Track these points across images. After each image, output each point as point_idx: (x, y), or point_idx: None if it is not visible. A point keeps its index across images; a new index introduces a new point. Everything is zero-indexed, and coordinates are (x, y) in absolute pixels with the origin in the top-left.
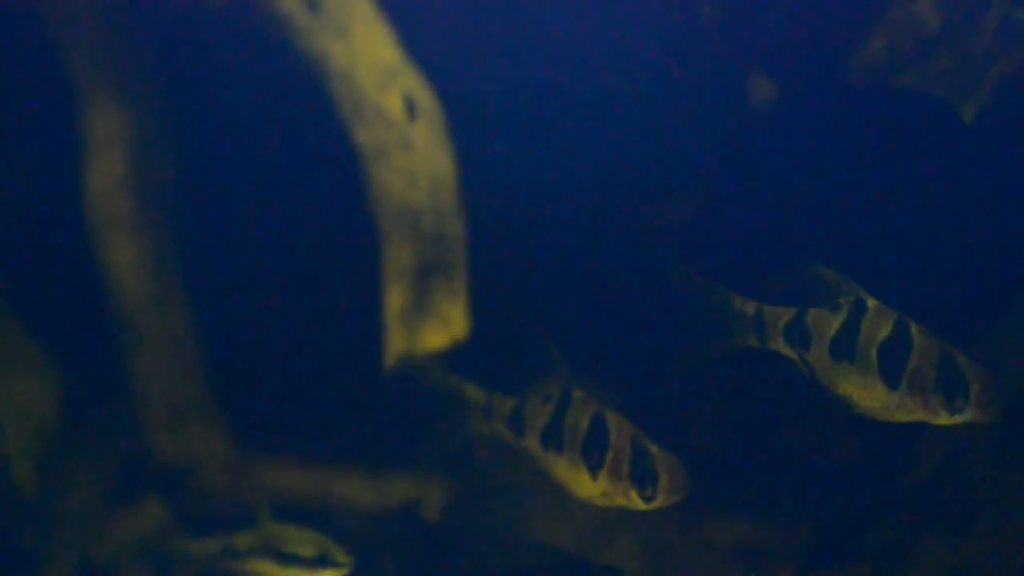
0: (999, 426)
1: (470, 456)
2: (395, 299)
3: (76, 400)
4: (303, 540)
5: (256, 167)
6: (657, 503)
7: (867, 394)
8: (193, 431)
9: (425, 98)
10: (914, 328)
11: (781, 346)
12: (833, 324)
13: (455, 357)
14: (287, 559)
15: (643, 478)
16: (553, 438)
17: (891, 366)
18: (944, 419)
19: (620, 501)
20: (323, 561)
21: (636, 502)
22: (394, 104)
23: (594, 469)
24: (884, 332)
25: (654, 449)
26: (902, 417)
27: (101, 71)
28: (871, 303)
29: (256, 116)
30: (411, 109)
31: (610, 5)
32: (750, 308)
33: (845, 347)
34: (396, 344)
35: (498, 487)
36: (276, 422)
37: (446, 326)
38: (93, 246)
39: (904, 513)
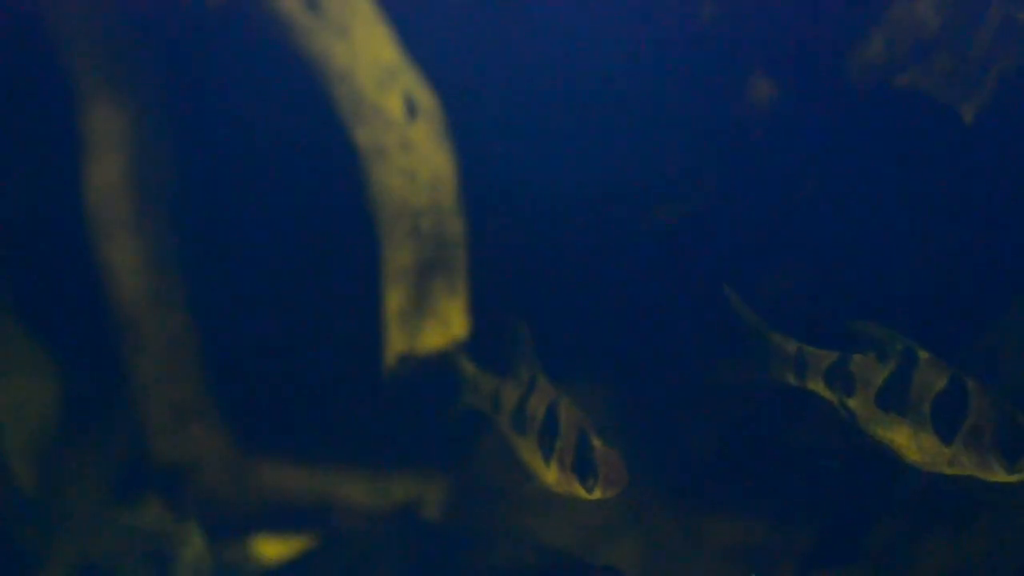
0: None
1: (463, 430)
2: (395, 299)
3: (76, 400)
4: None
5: (256, 167)
6: (595, 495)
7: (916, 446)
8: (193, 431)
9: (425, 98)
10: (971, 383)
11: (821, 388)
12: (881, 373)
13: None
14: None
15: (584, 469)
16: (519, 421)
17: (946, 420)
18: (999, 476)
19: (568, 490)
20: None
21: (581, 492)
22: (394, 104)
23: (547, 456)
24: (939, 385)
25: (596, 442)
26: (951, 471)
27: (101, 71)
28: (923, 355)
29: (256, 116)
30: (411, 109)
31: (610, 5)
32: (790, 346)
33: (895, 398)
34: (396, 344)
35: (498, 487)
36: (276, 422)
37: (446, 326)
38: (93, 246)
39: (904, 513)
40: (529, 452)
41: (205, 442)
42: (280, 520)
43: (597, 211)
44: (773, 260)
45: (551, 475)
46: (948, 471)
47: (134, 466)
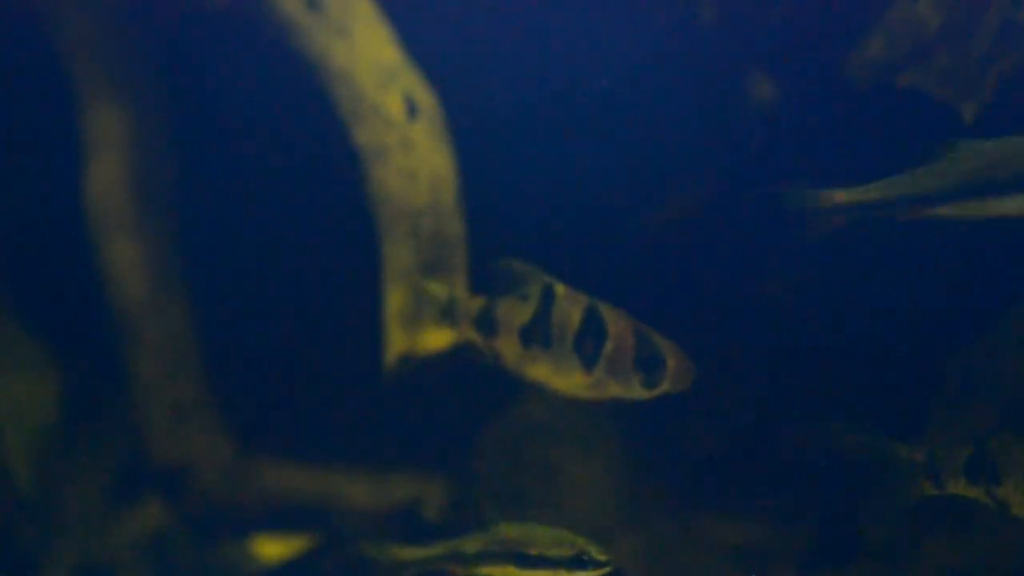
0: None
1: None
2: (395, 299)
3: (76, 400)
4: (552, 540)
5: (256, 167)
6: (661, 390)
7: None
8: (193, 431)
9: (425, 98)
10: None
11: (963, 488)
12: (1021, 450)
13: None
14: (531, 562)
15: (649, 364)
16: (538, 334)
17: None
18: None
19: (614, 391)
20: (580, 563)
21: (635, 391)
22: (394, 104)
23: (589, 361)
24: None
25: (657, 337)
26: None
27: (101, 71)
28: None
29: (256, 116)
30: (411, 109)
31: (610, 5)
32: (919, 455)
33: None
34: (396, 344)
35: (498, 487)
36: (276, 422)
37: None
38: (93, 246)
39: (904, 513)
40: (551, 363)
41: (205, 442)
42: (280, 520)
43: (596, 211)
44: (771, 260)
45: (588, 380)
46: None
47: (134, 466)
